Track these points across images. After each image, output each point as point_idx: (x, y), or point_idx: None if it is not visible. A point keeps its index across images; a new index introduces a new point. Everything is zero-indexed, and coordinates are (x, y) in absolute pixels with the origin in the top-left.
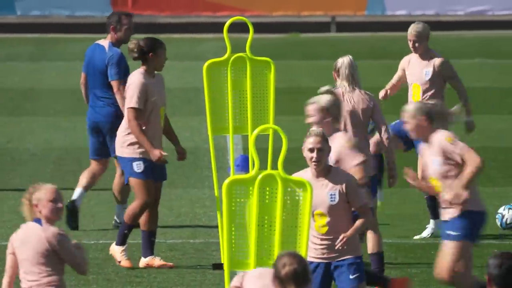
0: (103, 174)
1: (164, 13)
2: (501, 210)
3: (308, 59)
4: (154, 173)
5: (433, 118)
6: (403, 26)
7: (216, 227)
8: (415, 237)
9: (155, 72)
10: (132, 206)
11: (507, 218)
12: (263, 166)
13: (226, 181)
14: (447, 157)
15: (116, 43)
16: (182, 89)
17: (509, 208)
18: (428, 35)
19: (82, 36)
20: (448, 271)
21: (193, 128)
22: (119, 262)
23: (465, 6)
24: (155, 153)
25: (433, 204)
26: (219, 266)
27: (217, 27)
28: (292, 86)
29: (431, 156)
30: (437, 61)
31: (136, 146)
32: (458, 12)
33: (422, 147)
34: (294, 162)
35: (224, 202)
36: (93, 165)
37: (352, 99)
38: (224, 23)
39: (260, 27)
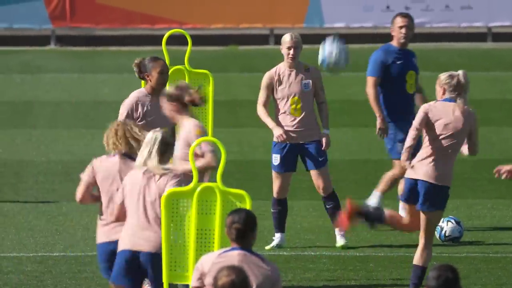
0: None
1: (101, 25)
2: (440, 222)
3: (246, 71)
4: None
5: None
6: (341, 38)
7: None
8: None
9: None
10: None
11: (445, 231)
12: None
13: (165, 194)
14: None
15: (395, 43)
16: (120, 102)
17: (448, 221)
18: (302, 45)
19: (20, 49)
20: None
21: None
22: None
23: None
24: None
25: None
26: None
27: (155, 40)
28: (230, 99)
29: None
30: (314, 72)
31: None
32: None
33: None
34: (233, 175)
35: (163, 215)
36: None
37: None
38: (163, 35)
39: (198, 40)
